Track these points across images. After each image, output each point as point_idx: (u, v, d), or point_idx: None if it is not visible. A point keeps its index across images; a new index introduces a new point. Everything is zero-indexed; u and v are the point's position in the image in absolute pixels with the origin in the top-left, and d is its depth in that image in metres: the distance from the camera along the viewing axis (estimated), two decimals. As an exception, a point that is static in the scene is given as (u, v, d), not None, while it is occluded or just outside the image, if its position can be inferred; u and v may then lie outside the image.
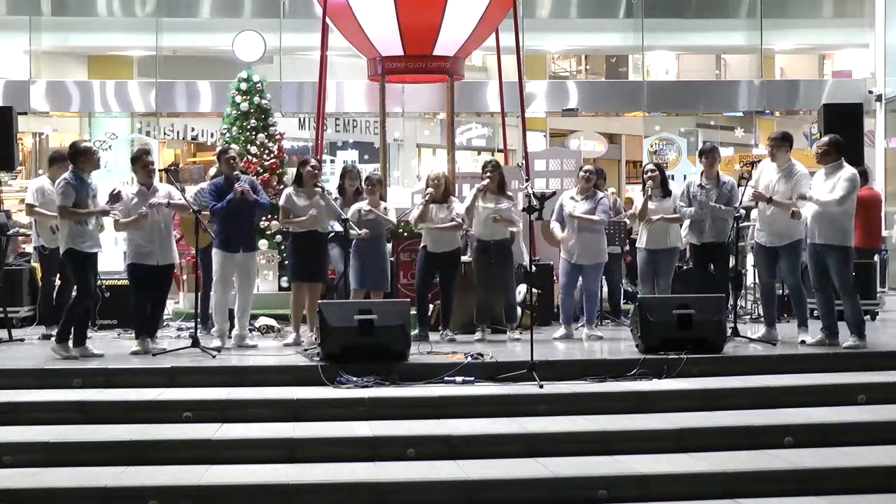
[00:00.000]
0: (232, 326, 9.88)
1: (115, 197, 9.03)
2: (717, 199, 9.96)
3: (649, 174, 10.35)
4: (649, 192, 10.22)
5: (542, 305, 11.03)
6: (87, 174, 9.06)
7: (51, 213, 9.80)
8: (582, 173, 10.54)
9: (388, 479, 6.51)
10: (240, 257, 9.72)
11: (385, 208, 10.44)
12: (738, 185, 9.88)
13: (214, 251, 9.74)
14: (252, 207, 9.76)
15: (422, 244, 10.43)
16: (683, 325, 8.73)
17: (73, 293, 9.29)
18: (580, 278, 10.47)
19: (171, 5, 20.39)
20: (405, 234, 11.45)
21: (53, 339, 9.07)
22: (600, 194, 10.58)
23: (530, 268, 9.98)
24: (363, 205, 10.27)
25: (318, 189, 10.03)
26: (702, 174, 10.28)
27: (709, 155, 10.21)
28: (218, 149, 10.23)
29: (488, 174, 10.29)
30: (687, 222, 10.23)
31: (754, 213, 9.86)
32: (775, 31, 20.74)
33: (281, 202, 10.10)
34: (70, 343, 8.90)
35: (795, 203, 9.22)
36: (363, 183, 10.66)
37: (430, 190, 10.30)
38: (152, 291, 9.39)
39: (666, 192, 10.33)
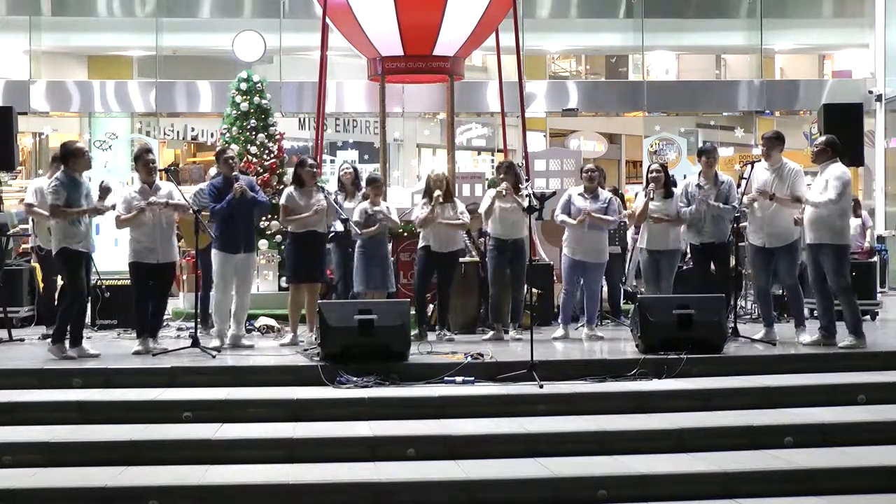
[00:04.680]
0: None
1: (104, 190, 9.05)
2: (715, 198, 9.98)
3: (654, 174, 10.35)
4: (651, 194, 10.22)
5: (542, 305, 11.03)
6: (80, 174, 9.03)
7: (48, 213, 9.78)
8: (585, 173, 10.53)
9: (388, 479, 6.51)
10: (240, 258, 9.72)
11: (387, 208, 10.46)
12: (738, 185, 9.88)
13: (214, 252, 9.71)
14: (251, 207, 9.76)
15: (422, 244, 10.42)
16: (683, 325, 8.72)
17: (67, 295, 9.18)
18: (582, 279, 10.48)
19: (171, 5, 20.40)
20: (405, 234, 11.46)
21: (49, 340, 9.04)
22: (606, 194, 10.59)
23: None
24: (366, 205, 10.30)
25: (320, 188, 10.04)
26: (700, 174, 10.31)
27: (708, 155, 10.25)
28: (217, 149, 10.24)
29: (502, 176, 10.30)
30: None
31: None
32: (775, 31, 20.75)
33: (282, 201, 10.10)
34: (67, 344, 8.88)
35: (794, 201, 9.23)
36: (365, 183, 10.71)
37: (438, 193, 10.30)
38: (154, 290, 9.39)
39: (668, 193, 10.32)
